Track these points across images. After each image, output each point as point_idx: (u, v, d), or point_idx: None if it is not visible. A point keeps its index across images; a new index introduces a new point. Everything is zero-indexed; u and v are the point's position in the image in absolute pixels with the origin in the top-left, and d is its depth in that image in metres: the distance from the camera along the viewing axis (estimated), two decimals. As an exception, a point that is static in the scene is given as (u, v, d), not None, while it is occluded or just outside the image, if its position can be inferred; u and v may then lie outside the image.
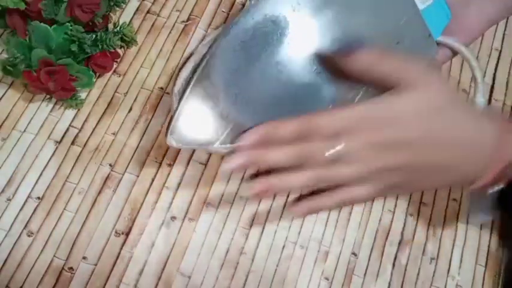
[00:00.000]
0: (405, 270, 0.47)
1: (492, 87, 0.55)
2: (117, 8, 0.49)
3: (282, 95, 0.40)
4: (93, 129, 0.47)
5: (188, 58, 0.41)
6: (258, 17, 0.38)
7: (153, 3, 0.53)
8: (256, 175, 0.37)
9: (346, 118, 0.36)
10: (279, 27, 0.39)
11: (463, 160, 0.37)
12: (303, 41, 0.39)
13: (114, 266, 0.44)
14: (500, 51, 0.57)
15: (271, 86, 0.40)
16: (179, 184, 0.47)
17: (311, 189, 0.39)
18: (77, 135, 0.47)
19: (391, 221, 0.48)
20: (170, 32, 0.52)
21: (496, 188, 0.38)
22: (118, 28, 0.48)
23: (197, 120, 0.38)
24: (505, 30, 0.58)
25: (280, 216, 0.47)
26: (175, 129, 0.38)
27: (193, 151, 0.48)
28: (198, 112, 0.38)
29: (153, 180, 0.46)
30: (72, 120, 0.48)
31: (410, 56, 0.38)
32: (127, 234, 0.45)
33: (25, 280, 0.42)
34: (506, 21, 0.58)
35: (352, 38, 0.40)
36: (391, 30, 0.41)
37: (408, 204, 0.49)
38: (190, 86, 0.38)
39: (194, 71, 0.39)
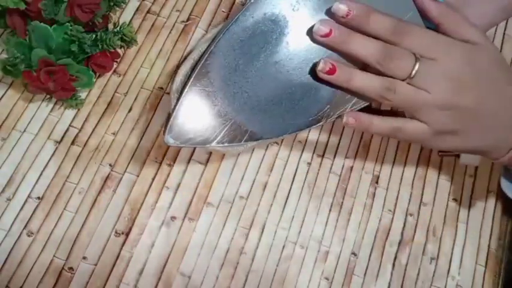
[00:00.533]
0: (405, 270, 0.47)
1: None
2: (117, 8, 0.49)
3: (280, 94, 0.40)
4: (93, 129, 0.47)
5: (187, 56, 0.41)
6: (257, 16, 0.38)
7: (153, 3, 0.53)
8: None
9: (435, 40, 0.37)
10: (278, 26, 0.39)
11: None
12: (302, 40, 0.39)
13: (114, 266, 0.44)
14: (501, 51, 0.56)
15: (269, 85, 0.39)
16: (179, 184, 0.47)
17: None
18: (77, 135, 0.47)
19: (391, 221, 0.48)
20: (170, 32, 0.52)
21: None
22: (118, 28, 0.48)
23: (195, 119, 0.38)
24: (505, 30, 0.58)
25: (280, 216, 0.47)
26: (173, 127, 0.38)
27: (193, 151, 0.48)
28: (196, 111, 0.38)
29: (153, 180, 0.46)
30: (72, 120, 0.48)
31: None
32: (127, 234, 0.45)
33: (25, 280, 0.42)
34: (506, 22, 0.58)
35: None
36: None
37: (408, 204, 0.49)
38: (189, 84, 0.38)
39: (192, 69, 0.39)
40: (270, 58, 0.39)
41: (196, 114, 0.38)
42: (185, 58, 0.42)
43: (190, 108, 0.38)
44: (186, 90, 0.38)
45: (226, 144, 0.39)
